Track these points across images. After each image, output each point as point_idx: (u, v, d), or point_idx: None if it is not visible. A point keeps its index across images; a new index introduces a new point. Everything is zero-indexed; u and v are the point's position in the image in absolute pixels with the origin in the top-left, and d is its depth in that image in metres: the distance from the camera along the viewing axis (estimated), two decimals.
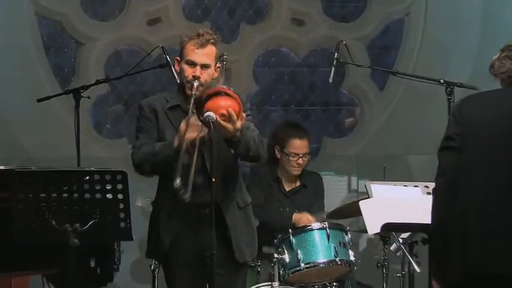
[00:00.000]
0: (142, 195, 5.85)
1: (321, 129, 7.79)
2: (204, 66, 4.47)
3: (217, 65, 4.55)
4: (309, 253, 5.27)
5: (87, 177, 4.18)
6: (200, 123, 4.25)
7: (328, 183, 6.33)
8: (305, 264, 5.25)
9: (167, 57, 5.51)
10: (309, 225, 5.40)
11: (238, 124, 4.25)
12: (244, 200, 4.63)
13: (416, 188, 4.82)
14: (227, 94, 4.25)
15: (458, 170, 3.54)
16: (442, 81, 5.51)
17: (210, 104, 4.22)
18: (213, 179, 4.16)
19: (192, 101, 4.33)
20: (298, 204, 5.89)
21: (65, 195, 4.16)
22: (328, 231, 5.31)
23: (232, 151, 4.41)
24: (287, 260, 5.27)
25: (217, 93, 4.25)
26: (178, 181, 4.12)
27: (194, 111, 4.34)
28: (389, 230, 4.87)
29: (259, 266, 5.42)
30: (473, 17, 7.66)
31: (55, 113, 6.95)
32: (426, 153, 6.18)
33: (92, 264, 4.56)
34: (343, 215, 5.63)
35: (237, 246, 4.52)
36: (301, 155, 5.87)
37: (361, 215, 4.80)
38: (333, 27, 7.71)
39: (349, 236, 5.40)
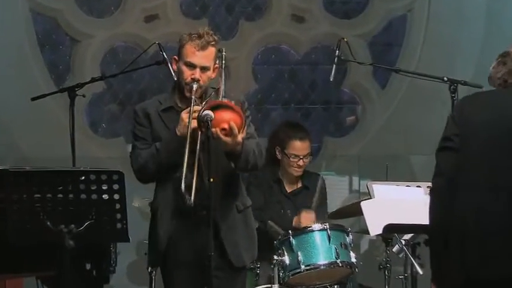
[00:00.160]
0: (139, 196, 5.85)
1: (322, 128, 7.78)
2: (204, 69, 4.48)
3: (216, 65, 4.55)
4: (310, 255, 5.27)
5: (83, 177, 4.18)
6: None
7: (329, 184, 6.33)
8: (305, 266, 5.25)
9: (164, 54, 5.52)
10: (310, 226, 5.40)
11: (240, 137, 4.27)
12: (244, 203, 4.63)
13: (419, 188, 4.83)
14: (229, 107, 4.26)
15: (457, 170, 3.55)
16: (445, 79, 5.52)
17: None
18: (211, 179, 4.17)
19: (192, 103, 4.33)
20: (299, 205, 5.90)
21: (60, 195, 4.17)
22: (329, 232, 5.31)
23: (233, 165, 4.42)
24: (287, 261, 5.27)
25: (219, 106, 4.25)
26: (183, 186, 4.14)
27: (197, 101, 4.36)
28: (392, 231, 4.88)
29: (258, 268, 5.42)
30: (477, 13, 7.66)
31: (50, 112, 6.95)
32: (429, 152, 6.12)
33: (88, 266, 4.57)
34: (344, 216, 5.64)
35: (234, 250, 4.52)
36: (302, 156, 5.88)
37: (362, 215, 4.82)
38: (334, 23, 7.71)
39: (351, 237, 5.41)
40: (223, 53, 4.60)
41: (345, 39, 5.89)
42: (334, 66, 5.80)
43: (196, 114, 4.27)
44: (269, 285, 5.32)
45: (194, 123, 4.29)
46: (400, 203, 4.57)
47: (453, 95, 5.42)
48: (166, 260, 4.56)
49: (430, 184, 4.69)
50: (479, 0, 7.67)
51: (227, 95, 4.47)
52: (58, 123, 6.79)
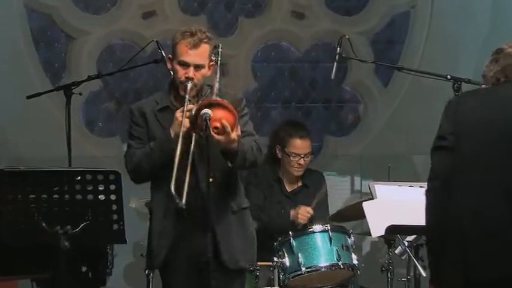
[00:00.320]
0: (136, 196, 5.85)
1: (323, 127, 7.79)
2: (198, 67, 4.48)
3: (211, 62, 4.55)
4: (310, 256, 5.27)
5: (79, 178, 4.19)
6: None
7: (330, 184, 6.33)
8: (306, 268, 5.25)
9: (162, 52, 5.51)
10: (310, 228, 5.41)
11: (234, 135, 4.26)
12: (239, 204, 4.62)
13: (422, 188, 4.79)
14: (221, 105, 4.26)
15: (453, 170, 3.56)
16: (449, 77, 5.52)
17: None
18: (210, 180, 4.18)
19: (186, 102, 4.34)
20: (299, 204, 5.90)
21: (56, 196, 4.17)
22: (330, 233, 5.31)
23: (230, 164, 4.42)
24: (287, 263, 5.27)
25: (211, 105, 4.25)
26: (173, 187, 4.14)
27: (190, 99, 4.37)
28: (394, 232, 4.88)
29: (258, 270, 5.41)
30: (483, 10, 7.65)
31: (45, 111, 6.95)
32: None
33: (84, 268, 4.57)
34: (345, 217, 5.64)
35: (228, 253, 4.51)
36: (302, 155, 5.88)
37: (364, 217, 4.82)
38: (335, 20, 7.71)
39: (352, 239, 5.41)
40: (220, 49, 4.61)
41: (347, 37, 5.88)
42: (336, 64, 5.80)
43: (189, 114, 4.29)
44: None
45: (187, 123, 4.29)
46: (402, 204, 4.57)
47: (457, 93, 5.42)
48: (164, 263, 4.56)
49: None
50: None
51: (223, 92, 4.48)
52: (54, 122, 6.79)
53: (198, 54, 4.47)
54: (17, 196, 4.16)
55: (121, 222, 4.21)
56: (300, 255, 5.26)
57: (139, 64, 6.10)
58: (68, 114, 5.64)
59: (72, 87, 5.76)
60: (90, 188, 4.17)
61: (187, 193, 4.23)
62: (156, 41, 5.66)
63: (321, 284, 5.40)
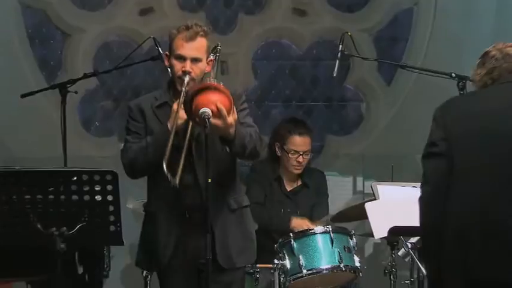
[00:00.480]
0: (133, 197, 5.86)
1: (324, 126, 7.79)
2: (195, 60, 4.48)
3: (210, 58, 4.56)
4: (312, 259, 5.28)
5: (75, 178, 4.18)
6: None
7: (331, 184, 6.34)
8: (307, 270, 5.25)
9: (159, 49, 5.52)
10: (312, 229, 5.41)
11: (230, 119, 4.25)
12: (239, 202, 4.62)
13: None
14: (216, 88, 4.26)
15: (450, 174, 3.56)
16: (453, 75, 5.52)
17: (198, 99, 4.23)
18: (209, 180, 4.18)
19: (182, 95, 4.35)
20: (299, 204, 5.91)
21: (51, 196, 4.17)
22: (331, 235, 5.32)
23: (228, 150, 4.42)
24: (288, 266, 5.28)
25: (206, 88, 4.26)
26: (165, 165, 4.14)
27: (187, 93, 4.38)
28: (397, 234, 4.88)
29: (258, 272, 5.42)
30: (487, 6, 7.66)
31: (40, 109, 6.95)
32: None
33: (80, 270, 4.58)
34: (347, 218, 5.64)
35: (223, 252, 4.50)
36: (301, 153, 5.89)
37: (367, 218, 4.82)
38: (337, 17, 7.72)
39: (354, 241, 5.41)
40: (219, 47, 4.62)
41: (349, 34, 5.88)
42: (338, 61, 5.79)
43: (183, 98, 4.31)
44: None
45: (183, 115, 4.30)
46: (406, 205, 4.56)
47: (462, 91, 5.41)
48: (161, 264, 4.56)
49: None
50: None
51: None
52: (49, 121, 6.80)
53: (194, 48, 4.48)
54: (12, 197, 4.16)
55: (118, 224, 4.21)
56: (301, 257, 5.26)
57: (137, 61, 6.10)
58: (63, 113, 5.64)
59: (68, 86, 5.76)
60: (86, 188, 4.16)
61: (185, 192, 4.27)
62: (153, 38, 5.67)
63: (323, 287, 5.41)
